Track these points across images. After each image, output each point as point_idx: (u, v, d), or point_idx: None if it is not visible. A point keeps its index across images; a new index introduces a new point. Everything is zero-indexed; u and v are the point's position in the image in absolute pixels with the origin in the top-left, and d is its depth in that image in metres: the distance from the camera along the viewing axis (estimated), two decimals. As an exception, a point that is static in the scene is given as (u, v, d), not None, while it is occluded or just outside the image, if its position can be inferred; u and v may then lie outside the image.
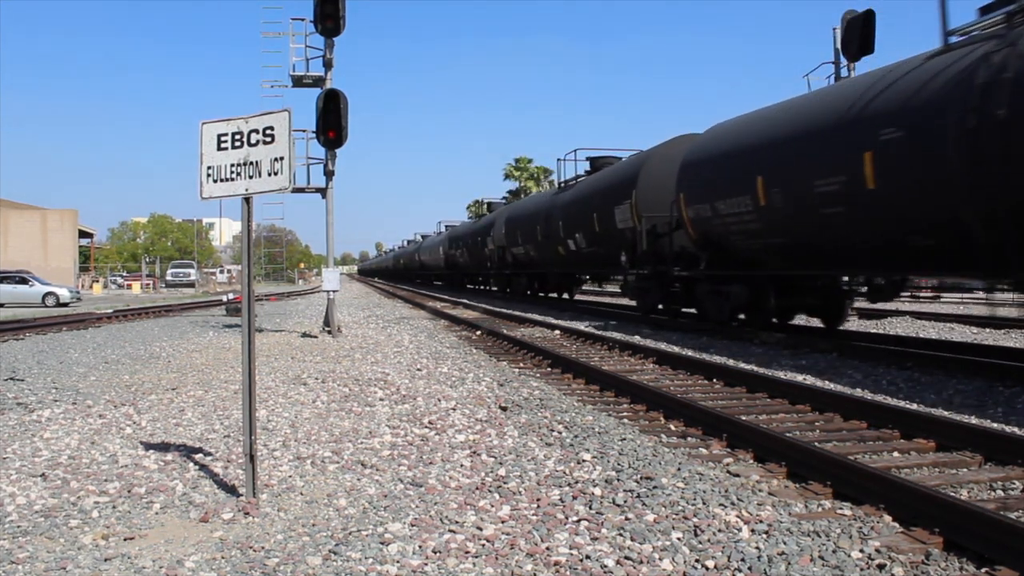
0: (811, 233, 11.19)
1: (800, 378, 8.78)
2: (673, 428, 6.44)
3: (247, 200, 4.73)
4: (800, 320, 14.28)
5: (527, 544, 3.72)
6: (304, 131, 15.11)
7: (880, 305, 18.25)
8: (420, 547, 3.70)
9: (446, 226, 51.49)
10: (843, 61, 16.18)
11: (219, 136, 4.74)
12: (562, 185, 24.59)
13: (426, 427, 6.39)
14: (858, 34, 13.95)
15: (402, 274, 75.70)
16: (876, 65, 12.92)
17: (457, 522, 4.06)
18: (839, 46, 15.85)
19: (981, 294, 25.09)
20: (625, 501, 4.31)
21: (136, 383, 9.23)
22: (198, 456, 5.58)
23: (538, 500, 4.39)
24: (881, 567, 3.42)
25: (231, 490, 4.74)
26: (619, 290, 23.67)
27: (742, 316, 13.84)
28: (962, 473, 4.96)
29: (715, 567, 3.41)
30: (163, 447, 5.86)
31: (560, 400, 7.64)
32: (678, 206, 14.71)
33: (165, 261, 76.33)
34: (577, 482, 4.72)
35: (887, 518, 4.03)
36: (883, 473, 4.40)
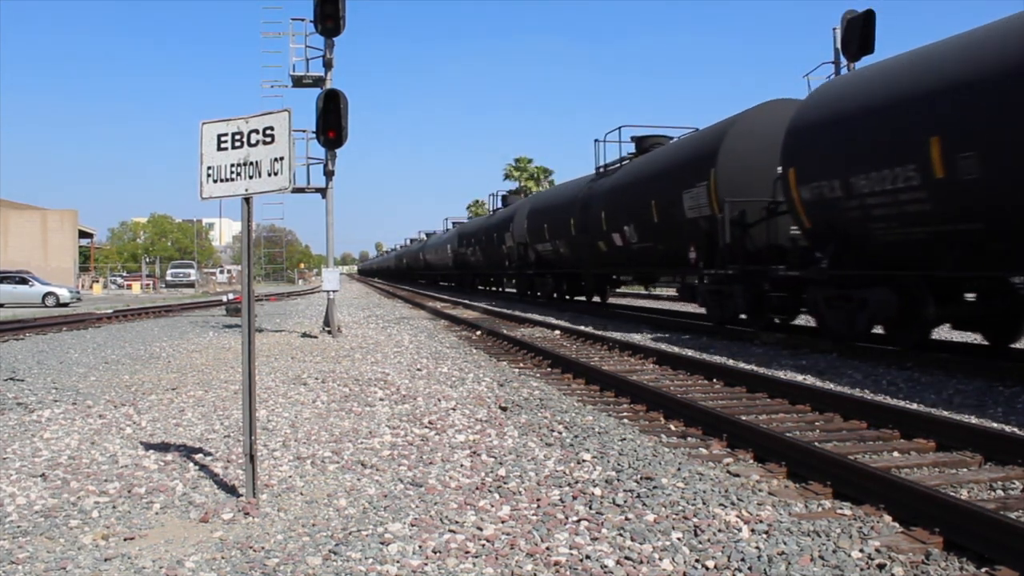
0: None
1: (800, 378, 8.78)
2: (673, 428, 6.44)
3: (247, 200, 4.73)
4: (800, 320, 13.54)
5: (527, 544, 3.72)
6: (304, 131, 15.13)
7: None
8: (420, 547, 3.70)
9: (453, 223, 48.79)
10: (843, 61, 16.18)
11: (219, 136, 4.75)
12: (601, 170, 20.68)
13: (426, 427, 6.39)
14: (858, 34, 13.98)
15: (405, 275, 72.26)
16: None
17: (457, 522, 4.06)
18: (839, 46, 15.85)
19: None
20: (625, 501, 4.31)
21: (136, 383, 9.23)
22: (198, 456, 5.58)
23: (538, 500, 4.39)
24: (881, 567, 3.42)
25: (231, 490, 4.74)
26: (676, 293, 19.46)
27: (879, 330, 10.67)
28: (962, 473, 4.95)
29: (715, 567, 3.41)
30: (163, 447, 5.86)
31: (560, 400, 7.64)
32: (784, 186, 11.47)
33: (165, 261, 76.34)
34: (577, 482, 4.72)
35: (887, 518, 4.03)
36: (883, 473, 4.40)
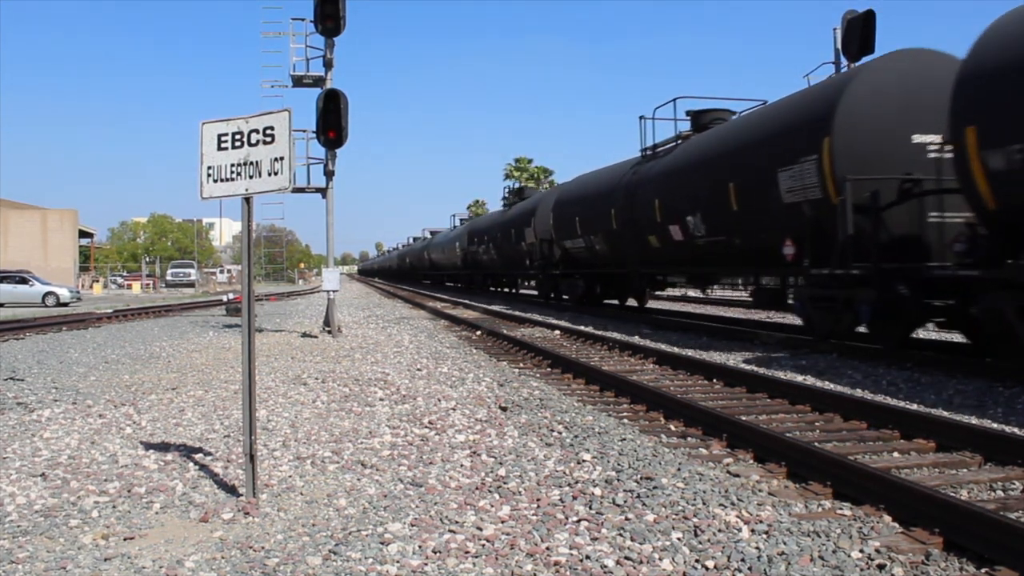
0: None
1: (800, 378, 8.78)
2: (673, 428, 6.44)
3: (247, 200, 4.73)
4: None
5: (527, 544, 3.72)
6: (304, 131, 15.14)
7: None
8: (420, 547, 3.70)
9: (461, 219, 46.49)
10: (843, 61, 16.18)
11: (219, 136, 4.75)
12: (648, 152, 17.44)
13: (426, 427, 6.39)
14: (858, 34, 13.94)
15: (408, 275, 68.64)
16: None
17: (457, 522, 4.06)
18: (839, 46, 15.85)
19: None
20: (625, 501, 4.31)
21: (136, 383, 9.23)
22: (198, 456, 5.58)
23: (538, 500, 4.39)
24: (881, 567, 3.42)
25: (231, 490, 4.74)
26: (749, 297, 15.79)
27: None
28: (962, 473, 4.95)
29: (715, 567, 3.41)
30: (163, 447, 5.86)
31: (560, 400, 7.64)
32: (959, 153, 8.37)
33: (165, 261, 76.34)
34: (577, 482, 4.72)
35: (887, 518, 4.03)
36: (883, 473, 4.40)
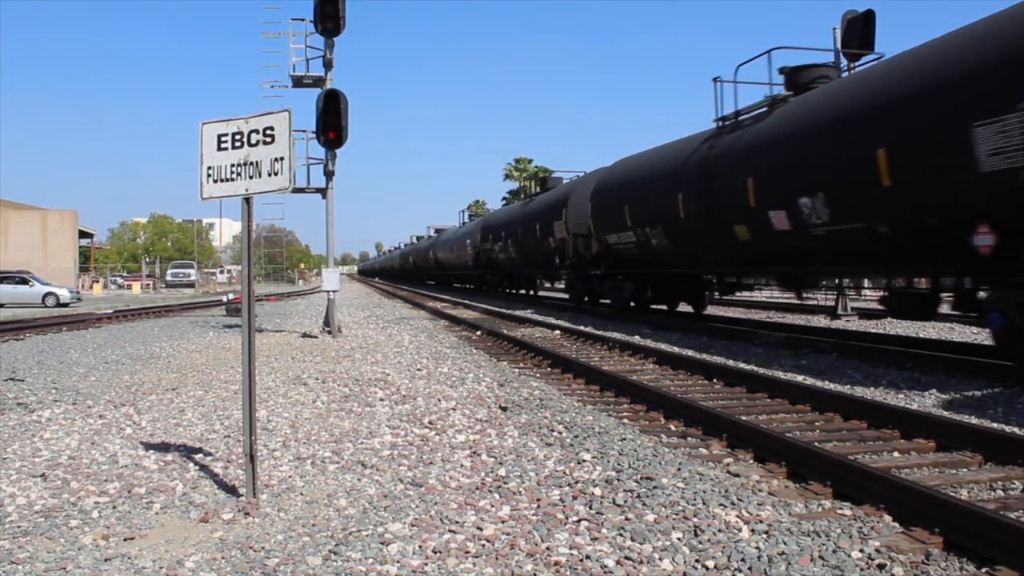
0: None
1: (800, 378, 8.78)
2: (673, 428, 6.44)
3: (247, 200, 4.73)
4: (800, 320, 13.33)
5: (527, 544, 3.72)
6: (304, 131, 15.14)
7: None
8: (420, 547, 3.71)
9: (470, 216, 44.34)
10: (843, 61, 16.18)
11: (219, 136, 4.75)
12: (724, 122, 13.94)
13: (426, 427, 6.39)
14: (858, 34, 13.94)
15: (412, 275, 64.52)
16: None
17: (457, 522, 4.06)
18: (839, 46, 15.85)
19: None
20: (625, 501, 4.31)
21: (136, 383, 9.23)
22: (198, 456, 5.58)
23: (538, 500, 4.39)
24: (881, 567, 3.42)
25: (231, 490, 4.74)
26: (881, 306, 13.06)
27: None
28: (962, 473, 4.96)
29: (715, 567, 3.41)
30: (163, 447, 5.87)
31: (560, 400, 7.64)
32: None
33: (165, 261, 76.38)
34: (577, 482, 4.72)
35: (887, 518, 4.03)
36: (883, 473, 4.40)
